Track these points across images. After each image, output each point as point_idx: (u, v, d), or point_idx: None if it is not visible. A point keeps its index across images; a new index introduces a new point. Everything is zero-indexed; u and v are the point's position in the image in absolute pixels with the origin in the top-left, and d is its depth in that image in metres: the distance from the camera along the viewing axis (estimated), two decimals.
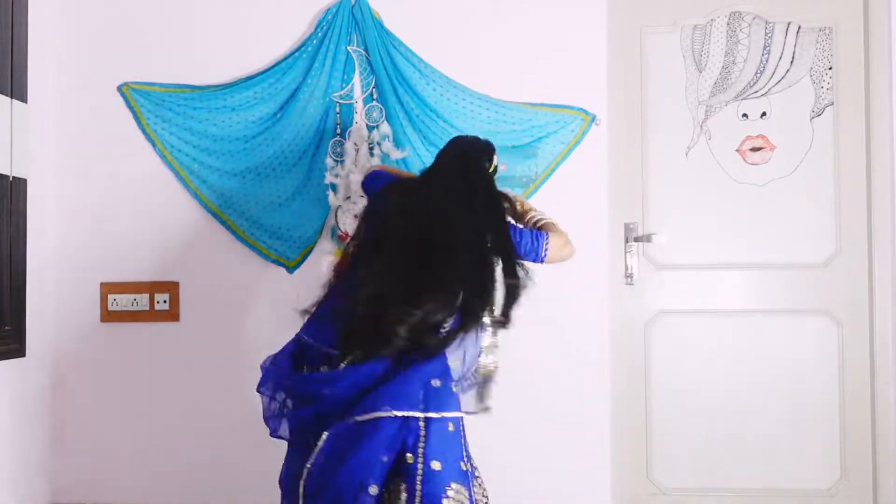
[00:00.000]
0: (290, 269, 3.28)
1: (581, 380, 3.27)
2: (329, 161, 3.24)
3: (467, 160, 2.55)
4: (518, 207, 2.69)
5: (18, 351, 3.13)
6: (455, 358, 2.34)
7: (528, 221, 2.65)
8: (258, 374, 3.31)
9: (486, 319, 2.40)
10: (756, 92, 3.34)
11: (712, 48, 3.35)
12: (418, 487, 2.21)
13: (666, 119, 3.35)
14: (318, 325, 2.41)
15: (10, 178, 3.06)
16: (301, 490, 2.26)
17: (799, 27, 3.33)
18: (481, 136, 3.21)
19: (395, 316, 2.23)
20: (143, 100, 3.30)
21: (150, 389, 3.34)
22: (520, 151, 3.25)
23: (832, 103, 3.32)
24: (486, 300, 2.36)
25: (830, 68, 3.32)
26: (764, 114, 3.34)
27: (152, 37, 3.35)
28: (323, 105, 3.25)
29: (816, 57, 3.32)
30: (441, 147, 3.21)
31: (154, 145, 3.29)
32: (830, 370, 3.30)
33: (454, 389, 2.34)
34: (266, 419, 2.44)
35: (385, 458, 2.21)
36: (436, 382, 2.29)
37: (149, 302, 3.33)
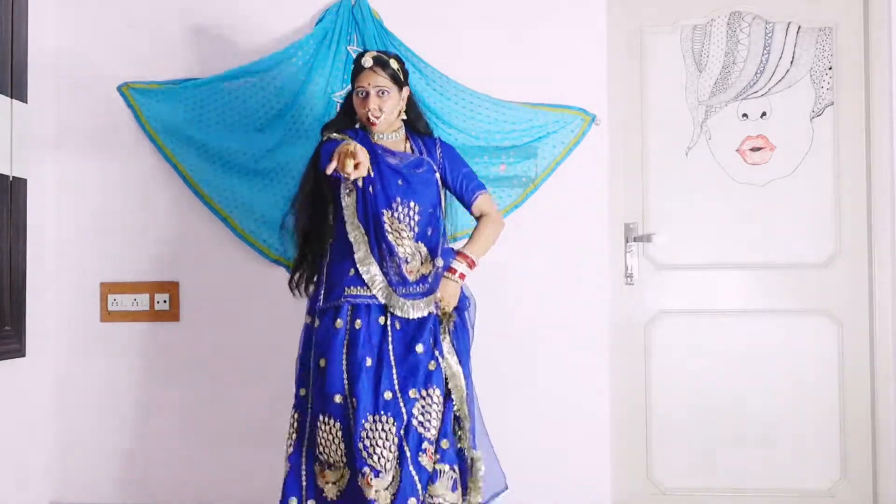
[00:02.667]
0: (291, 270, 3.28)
1: (581, 380, 3.27)
2: None
3: None
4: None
5: (18, 351, 3.13)
6: None
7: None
8: (258, 374, 3.32)
9: None
10: (756, 92, 3.34)
11: (712, 48, 3.35)
12: None
13: (666, 119, 3.35)
14: None
15: (10, 178, 3.06)
16: None
17: (799, 27, 3.33)
18: (481, 136, 3.24)
19: None
20: (142, 98, 3.29)
21: (150, 389, 3.34)
22: (520, 151, 3.25)
23: (832, 103, 3.32)
24: None
25: (830, 68, 3.32)
26: (764, 114, 3.34)
27: (152, 37, 3.35)
28: (323, 105, 3.24)
29: (816, 57, 3.32)
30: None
31: (154, 142, 3.29)
32: (830, 370, 3.30)
33: None
34: None
35: None
36: None
37: (149, 302, 3.33)
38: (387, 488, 2.48)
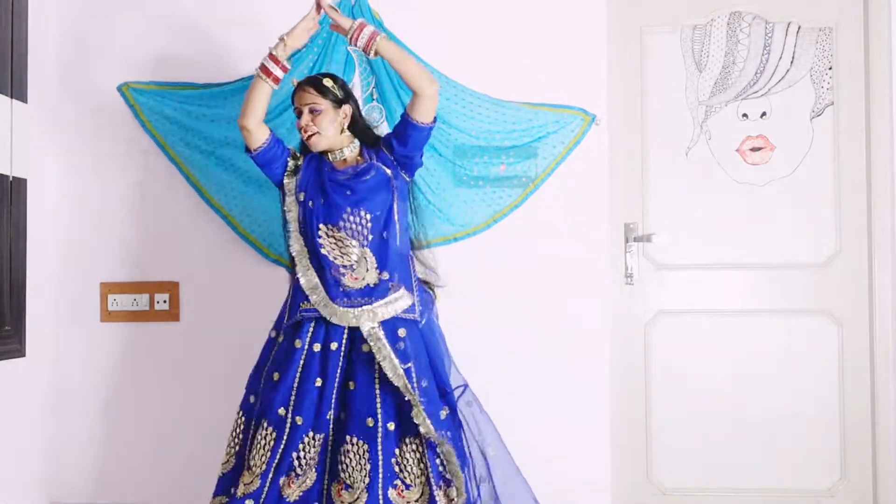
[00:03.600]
0: (291, 270, 3.28)
1: (581, 380, 3.27)
2: None
3: None
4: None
5: (18, 351, 3.13)
6: None
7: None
8: None
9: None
10: (756, 92, 3.34)
11: (712, 48, 3.35)
12: None
13: (666, 119, 3.35)
14: None
15: (10, 178, 3.06)
16: None
17: (799, 27, 3.33)
18: (480, 136, 3.24)
19: None
20: (143, 98, 3.29)
21: (150, 389, 3.34)
22: (520, 151, 3.25)
23: (832, 103, 3.32)
24: None
25: (830, 68, 3.32)
26: (764, 114, 3.34)
27: (152, 37, 3.35)
28: None
29: (816, 57, 3.32)
30: (440, 147, 3.23)
31: (156, 140, 3.29)
32: (830, 370, 3.30)
33: None
34: None
35: None
36: None
37: (149, 302, 3.33)
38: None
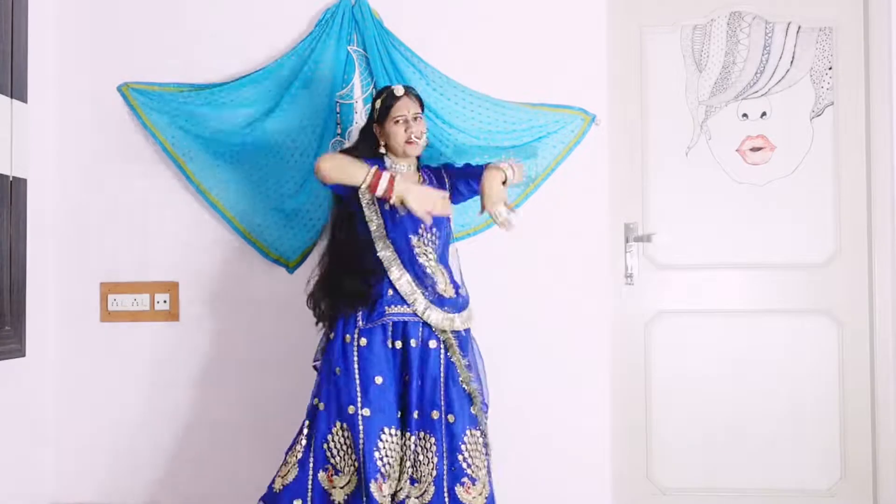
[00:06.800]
0: (290, 269, 3.28)
1: (581, 380, 3.27)
2: None
3: None
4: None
5: (18, 351, 3.13)
6: None
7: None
8: (257, 374, 3.32)
9: None
10: (756, 92, 3.34)
11: (712, 48, 3.35)
12: None
13: (666, 119, 3.35)
14: None
15: (10, 178, 3.06)
16: None
17: (799, 27, 3.33)
18: (481, 136, 3.24)
19: None
20: (143, 98, 3.29)
21: (149, 389, 3.34)
22: (520, 151, 3.25)
23: (832, 103, 3.32)
24: None
25: (830, 68, 3.32)
26: (764, 114, 3.34)
27: (152, 37, 3.35)
28: (323, 105, 3.24)
29: (816, 57, 3.32)
30: (440, 146, 3.23)
31: (157, 140, 3.28)
32: (830, 370, 3.30)
33: None
34: None
35: None
36: None
37: (149, 302, 3.34)
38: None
